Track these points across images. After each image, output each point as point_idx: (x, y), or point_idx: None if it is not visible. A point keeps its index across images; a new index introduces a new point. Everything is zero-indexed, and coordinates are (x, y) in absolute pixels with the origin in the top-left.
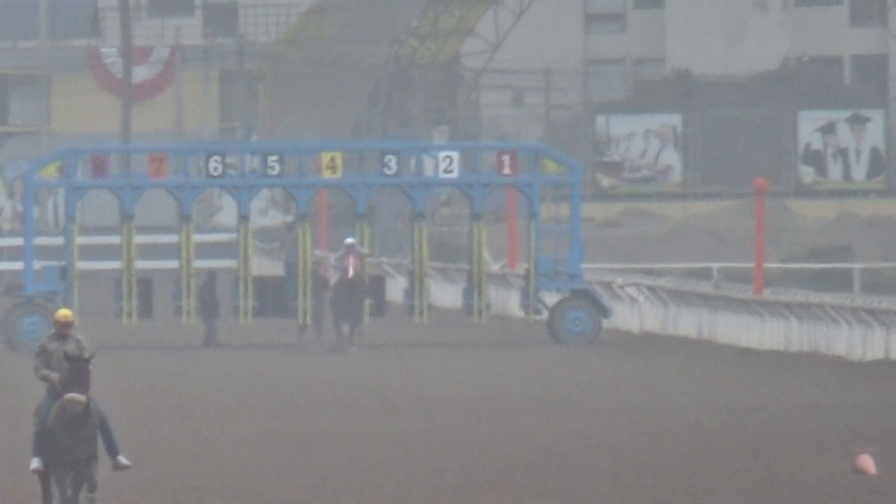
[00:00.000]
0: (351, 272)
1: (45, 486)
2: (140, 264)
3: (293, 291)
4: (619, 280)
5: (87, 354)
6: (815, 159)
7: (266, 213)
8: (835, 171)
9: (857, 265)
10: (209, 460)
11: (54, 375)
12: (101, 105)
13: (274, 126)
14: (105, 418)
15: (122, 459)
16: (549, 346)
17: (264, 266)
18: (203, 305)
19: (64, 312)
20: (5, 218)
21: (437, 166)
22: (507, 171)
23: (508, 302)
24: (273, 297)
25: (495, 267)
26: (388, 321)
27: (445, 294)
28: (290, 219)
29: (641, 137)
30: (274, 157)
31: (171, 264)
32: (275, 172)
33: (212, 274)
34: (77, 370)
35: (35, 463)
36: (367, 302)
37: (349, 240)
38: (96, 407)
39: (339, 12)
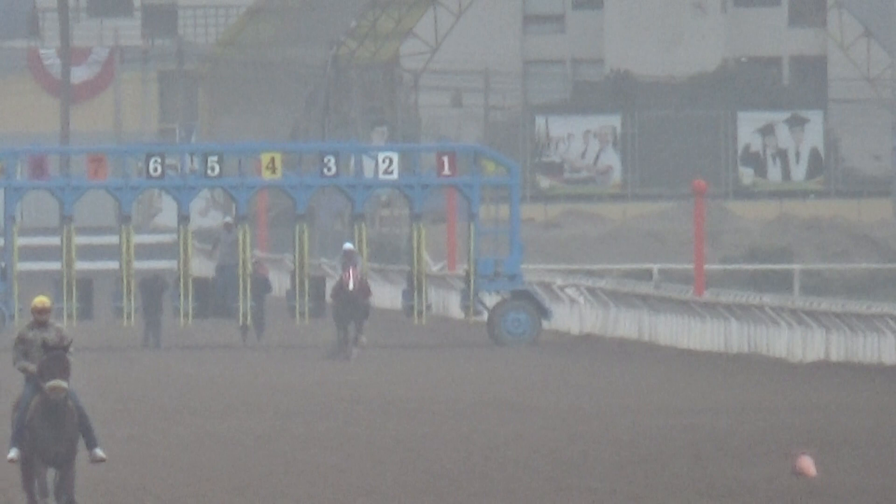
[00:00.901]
0: (351, 285)
1: (27, 484)
2: (80, 265)
3: (222, 292)
4: (559, 281)
5: (66, 342)
6: (755, 160)
7: (206, 214)
8: (774, 172)
9: (796, 266)
10: (148, 461)
11: (32, 367)
12: (40, 106)
13: (213, 127)
14: (84, 412)
15: (99, 452)
16: (489, 347)
17: (204, 267)
18: (146, 306)
19: (41, 299)
20: None
21: (376, 167)
22: (446, 172)
23: (448, 303)
24: (213, 298)
25: (435, 268)
26: (328, 322)
27: (385, 295)
28: (228, 219)
29: (581, 138)
30: (214, 158)
31: (112, 265)
32: (215, 173)
33: (158, 276)
34: (55, 358)
35: (12, 453)
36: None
37: (348, 245)
38: (76, 402)
39: (278, 14)
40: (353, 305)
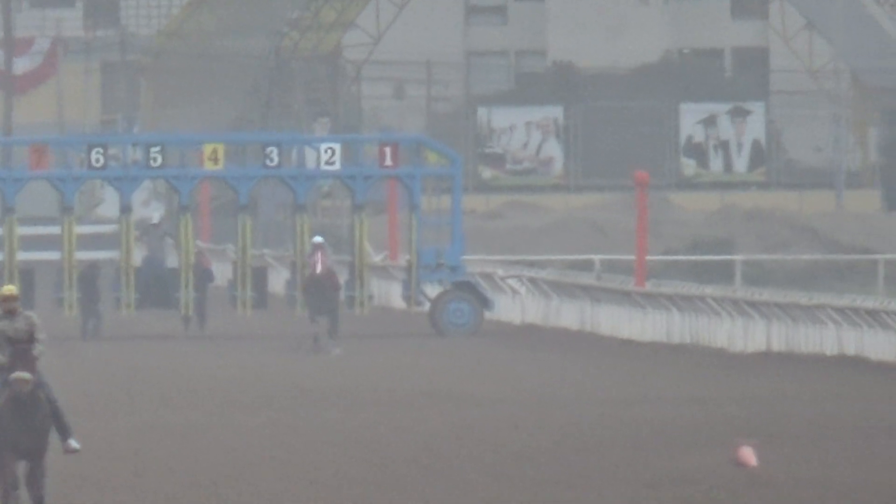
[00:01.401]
0: (319, 268)
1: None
2: (22, 256)
3: (144, 284)
4: (501, 272)
5: (39, 334)
6: (697, 152)
7: (148, 205)
8: (716, 163)
9: (738, 257)
10: (90, 453)
11: (2, 359)
12: None
13: (156, 118)
14: (56, 403)
15: (73, 443)
16: (431, 337)
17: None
18: (84, 297)
19: (8, 288)
20: None
21: (318, 158)
22: (388, 162)
23: (390, 293)
24: (155, 288)
25: (377, 258)
26: (270, 313)
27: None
28: (156, 218)
29: (523, 129)
30: (156, 149)
31: (53, 256)
32: (157, 164)
33: (93, 265)
34: (20, 351)
35: None
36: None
37: (317, 238)
38: (48, 394)
39: (221, 5)
40: (323, 295)
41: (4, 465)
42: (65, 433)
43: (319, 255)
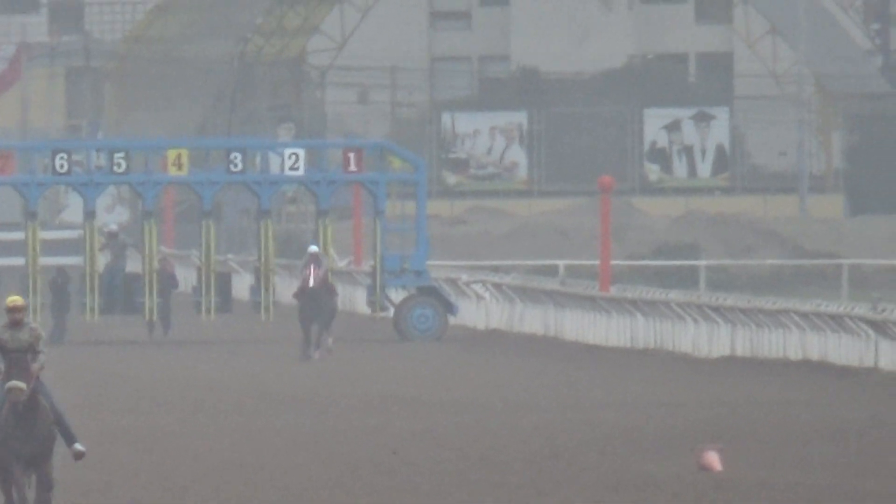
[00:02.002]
0: (311, 282)
1: (4, 486)
2: None
3: (107, 291)
4: (465, 277)
5: (41, 346)
6: (661, 157)
7: (112, 210)
8: (680, 168)
9: (702, 262)
10: (56, 458)
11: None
12: None
13: (120, 124)
14: (59, 411)
15: (79, 446)
16: (396, 342)
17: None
18: (54, 302)
19: (13, 298)
20: None
21: (282, 164)
22: (352, 168)
23: (355, 299)
24: (120, 294)
25: (341, 264)
26: (235, 318)
27: (291, 291)
28: (114, 227)
29: (487, 135)
30: (120, 155)
31: (18, 261)
32: (121, 170)
33: (62, 270)
34: (15, 360)
35: None
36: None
37: (313, 247)
38: (50, 402)
39: (185, 10)
40: (317, 304)
41: (13, 476)
42: (70, 438)
43: (313, 267)
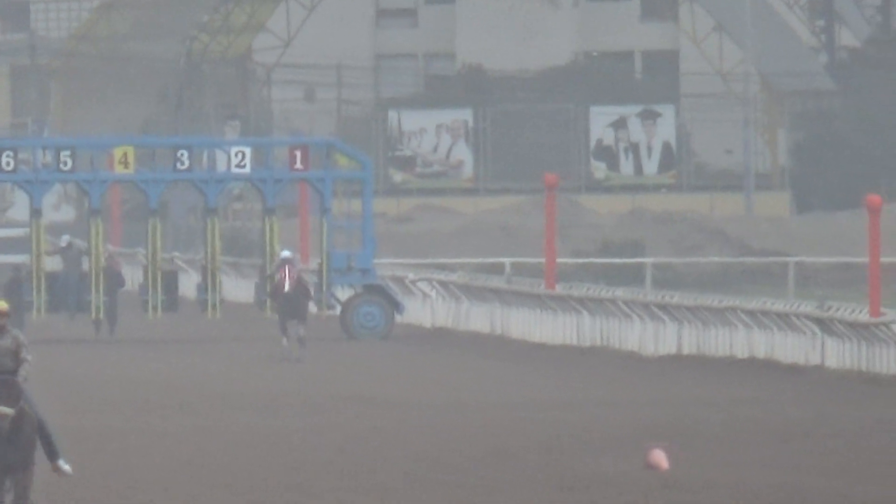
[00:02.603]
0: (287, 286)
1: None
2: None
3: (62, 294)
4: (412, 275)
5: (25, 354)
6: (607, 154)
7: (59, 209)
8: (626, 166)
9: (648, 260)
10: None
11: None
12: None
13: (66, 121)
14: (43, 422)
15: (63, 464)
16: (342, 341)
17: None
18: (11, 300)
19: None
20: None
21: (229, 161)
22: (299, 166)
23: None
24: (74, 293)
25: None
26: (181, 316)
27: (238, 289)
28: (66, 239)
29: (433, 132)
30: (66, 153)
31: None
32: (67, 168)
33: (17, 268)
34: (3, 382)
35: None
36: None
37: (286, 252)
38: (34, 411)
39: (131, 8)
40: (293, 307)
41: None
42: (53, 454)
43: (287, 269)
